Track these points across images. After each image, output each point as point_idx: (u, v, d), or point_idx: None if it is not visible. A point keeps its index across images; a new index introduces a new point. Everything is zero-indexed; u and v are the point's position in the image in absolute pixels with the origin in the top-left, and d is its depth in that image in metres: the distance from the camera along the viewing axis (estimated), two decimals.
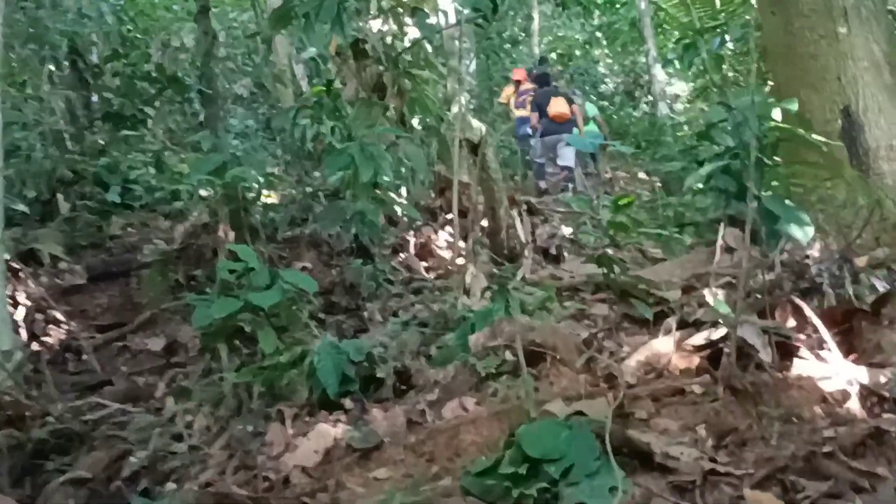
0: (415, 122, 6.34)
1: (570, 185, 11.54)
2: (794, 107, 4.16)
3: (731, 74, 11.57)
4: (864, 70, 4.82)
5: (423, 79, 5.56)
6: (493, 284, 4.68)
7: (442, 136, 6.29)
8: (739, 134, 3.84)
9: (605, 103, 16.26)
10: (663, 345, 3.41)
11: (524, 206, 6.61)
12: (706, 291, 3.31)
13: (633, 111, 15.29)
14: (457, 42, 5.99)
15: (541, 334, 3.38)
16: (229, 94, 13.81)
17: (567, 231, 6.93)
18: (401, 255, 6.49)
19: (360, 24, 5.12)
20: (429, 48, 5.71)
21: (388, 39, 5.23)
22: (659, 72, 11.95)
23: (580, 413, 2.82)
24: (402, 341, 3.87)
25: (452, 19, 6.01)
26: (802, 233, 3.16)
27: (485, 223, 6.32)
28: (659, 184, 13.49)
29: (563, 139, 11.53)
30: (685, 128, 12.70)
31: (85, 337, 5.40)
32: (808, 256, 4.54)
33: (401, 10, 5.20)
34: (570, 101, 11.77)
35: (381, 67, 5.27)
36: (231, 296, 3.83)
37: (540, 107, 11.88)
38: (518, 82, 13.72)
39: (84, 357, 5.17)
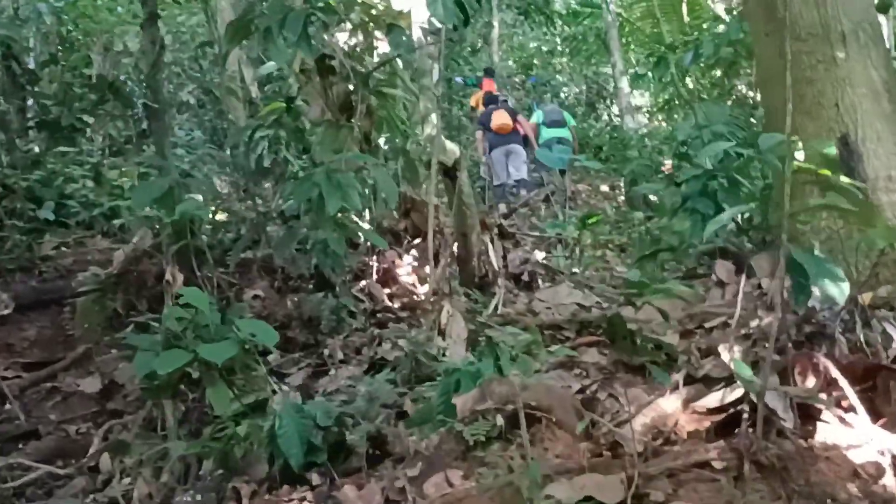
0: (380, 141, 5.94)
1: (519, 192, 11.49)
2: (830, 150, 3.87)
3: (695, 88, 11.41)
4: (862, 97, 4.56)
5: (393, 98, 5.16)
6: (471, 324, 4.30)
7: (408, 156, 5.90)
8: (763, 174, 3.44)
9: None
10: (670, 404, 3.07)
11: (495, 231, 6.23)
12: (722, 348, 2.96)
13: (594, 123, 15.09)
14: (429, 60, 5.61)
15: (534, 394, 3.01)
16: (175, 102, 13.23)
17: (539, 256, 6.58)
18: (362, 281, 6.07)
19: (327, 38, 4.70)
20: (400, 65, 5.32)
21: (358, 56, 4.82)
22: (625, 84, 11.73)
23: (589, 498, 2.46)
24: (372, 394, 3.46)
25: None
26: (838, 290, 2.84)
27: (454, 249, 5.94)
28: (622, 198, 13.35)
29: (510, 150, 11.54)
30: (647, 141, 12.49)
31: (9, 377, 4.86)
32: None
33: (372, 24, 4.80)
34: (514, 114, 11.76)
35: (349, 86, 4.86)
36: (178, 346, 3.38)
37: (483, 125, 11.86)
38: (488, 93, 13.54)
39: (7, 404, 4.63)
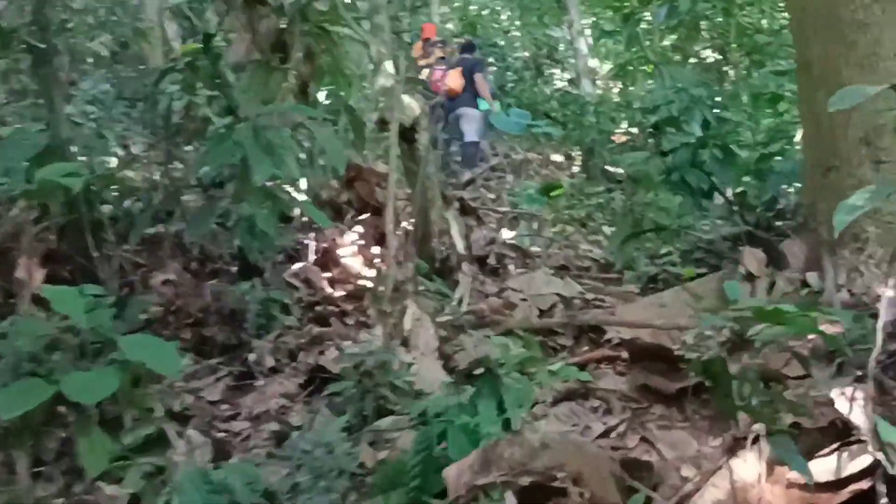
0: (320, 95, 4.88)
1: (480, 163, 10.62)
2: None
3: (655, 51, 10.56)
4: None
5: (338, 37, 4.10)
6: (442, 330, 3.32)
7: (354, 113, 4.85)
8: None
9: (515, 76, 15.03)
10: (748, 468, 2.15)
11: (457, 205, 5.24)
12: (835, 394, 2.04)
13: (544, 88, 14.12)
14: None
15: (558, 457, 2.05)
16: (87, 53, 11.75)
17: (507, 235, 5.62)
18: (296, 264, 5.02)
19: None
20: None
21: None
22: (583, 45, 10.80)
23: None
24: (316, 441, 2.45)
25: None
26: None
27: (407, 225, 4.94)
28: (577, 168, 12.46)
29: (461, 114, 10.58)
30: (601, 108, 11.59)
31: None
32: (868, 296, 3.40)
33: None
34: (471, 70, 10.63)
35: (282, 20, 3.77)
36: (37, 374, 2.32)
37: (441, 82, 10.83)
38: (427, 40, 12.28)
39: None
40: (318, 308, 4.51)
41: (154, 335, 4.16)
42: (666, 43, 11.78)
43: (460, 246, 4.81)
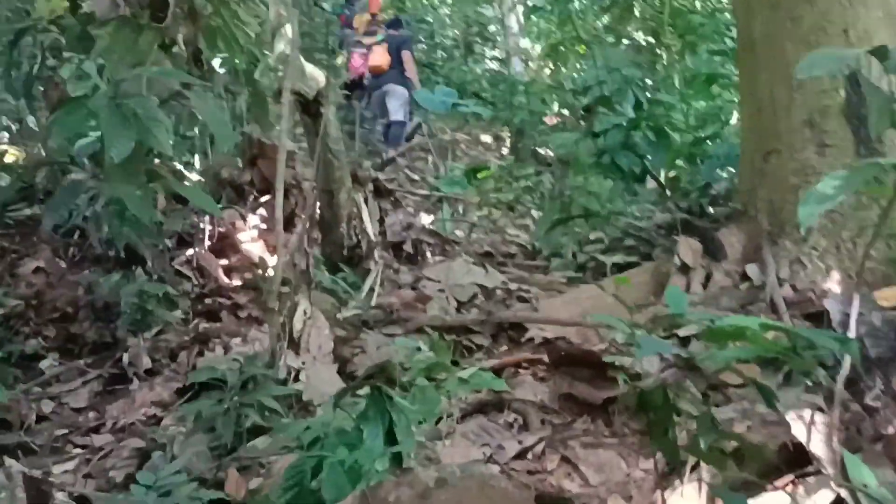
0: (216, 63, 4.36)
1: (404, 142, 10.11)
2: None
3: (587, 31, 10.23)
4: (878, 22, 3.39)
5: None
6: (339, 329, 2.91)
7: (255, 84, 4.36)
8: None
9: (443, 55, 14.58)
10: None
11: (370, 187, 4.80)
12: (791, 417, 1.68)
13: (473, 66, 13.71)
14: None
15: (457, 497, 1.65)
16: None
17: (426, 220, 5.21)
18: (189, 250, 4.53)
19: None
20: None
21: None
22: (513, 23, 10.42)
23: None
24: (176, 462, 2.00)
25: None
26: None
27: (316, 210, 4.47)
28: (506, 149, 12.12)
29: (387, 91, 10.09)
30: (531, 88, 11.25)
31: None
32: (814, 292, 3.09)
33: None
34: (398, 48, 10.19)
35: None
36: None
37: (366, 59, 10.36)
38: (374, 16, 11.77)
39: None
40: (208, 301, 4.03)
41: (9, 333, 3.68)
42: (599, 23, 11.50)
43: (371, 232, 4.38)
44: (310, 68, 3.95)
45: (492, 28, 14.21)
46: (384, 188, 5.01)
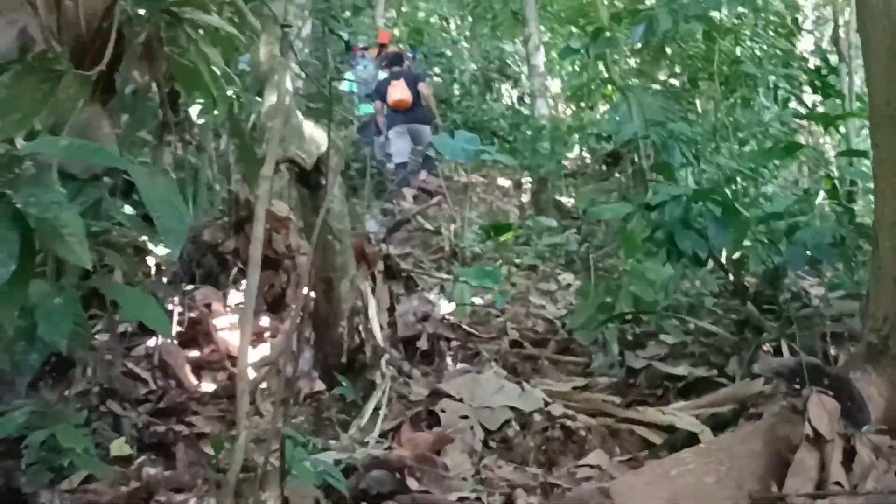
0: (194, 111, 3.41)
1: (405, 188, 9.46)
2: None
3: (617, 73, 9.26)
4: None
5: (208, 31, 2.61)
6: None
7: (244, 138, 3.40)
8: None
9: (460, 90, 13.64)
10: None
11: (380, 267, 3.79)
12: None
13: (492, 104, 12.76)
14: None
15: None
16: None
17: (447, 307, 4.20)
18: (150, 340, 3.53)
19: None
20: None
21: None
22: (540, 62, 9.47)
23: None
24: None
25: None
26: None
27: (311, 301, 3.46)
28: (524, 195, 11.12)
29: (415, 129, 9.45)
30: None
31: None
32: None
33: None
34: (415, 81, 9.43)
35: None
36: None
37: (380, 95, 9.55)
38: (383, 46, 11.01)
39: None
40: (160, 427, 3.00)
41: None
42: (627, 65, 10.56)
43: (379, 333, 3.37)
44: (310, 128, 2.96)
45: (511, 63, 13.31)
46: (396, 268, 4.00)
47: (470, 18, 12.21)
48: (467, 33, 14.08)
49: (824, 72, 8.66)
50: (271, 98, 2.87)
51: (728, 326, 4.28)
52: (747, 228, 4.76)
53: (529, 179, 10.16)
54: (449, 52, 13.73)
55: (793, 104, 9.92)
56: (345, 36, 14.16)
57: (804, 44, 11.28)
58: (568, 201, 10.22)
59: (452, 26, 14.57)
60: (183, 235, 2.15)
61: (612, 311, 4.47)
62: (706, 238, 4.61)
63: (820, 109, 9.99)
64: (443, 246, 7.26)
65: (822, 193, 5.09)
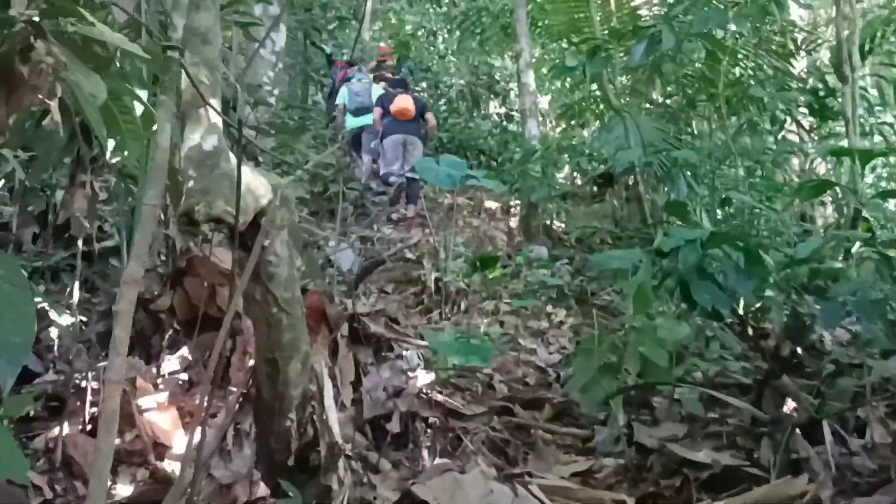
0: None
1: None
2: None
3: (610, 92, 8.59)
4: None
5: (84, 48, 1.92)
6: None
7: (176, 181, 2.72)
8: None
9: (448, 107, 12.95)
10: None
11: (344, 332, 3.09)
12: None
13: (479, 122, 12.06)
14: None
15: None
16: None
17: (424, 378, 3.50)
18: (54, 429, 2.81)
19: None
20: None
21: None
22: (531, 79, 8.80)
23: None
24: None
25: None
26: None
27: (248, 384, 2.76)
28: (512, 219, 10.42)
29: (412, 142, 9.53)
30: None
31: None
32: None
33: None
34: (423, 107, 9.75)
35: None
36: None
37: (383, 104, 9.58)
38: (381, 62, 10.84)
39: None
40: None
41: None
42: (620, 83, 9.92)
43: (336, 425, 2.66)
44: (248, 176, 2.25)
45: (500, 79, 12.63)
46: (365, 331, 3.29)
47: (458, 33, 11.52)
48: (455, 47, 13.40)
49: (822, 94, 8.07)
50: (193, 137, 2.16)
51: (754, 397, 3.61)
52: (769, 276, 4.09)
53: (518, 202, 9.48)
54: (436, 67, 13.06)
55: (788, 126, 9.37)
56: (327, 49, 13.53)
57: (800, 64, 10.68)
58: (559, 226, 9.56)
59: (440, 40, 13.90)
60: (24, 353, 1.44)
61: (615, 373, 3.78)
62: (723, 287, 3.96)
63: (817, 133, 9.42)
64: (425, 280, 6.57)
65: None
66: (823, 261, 4.32)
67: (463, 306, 6.53)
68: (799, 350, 4.20)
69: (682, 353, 3.84)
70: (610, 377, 3.77)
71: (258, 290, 2.41)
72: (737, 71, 8.34)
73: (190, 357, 3.29)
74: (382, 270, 7.71)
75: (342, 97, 10.27)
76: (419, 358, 4.14)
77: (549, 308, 6.80)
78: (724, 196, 5.21)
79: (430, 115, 9.68)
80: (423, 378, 3.34)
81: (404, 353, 3.66)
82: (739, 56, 7.53)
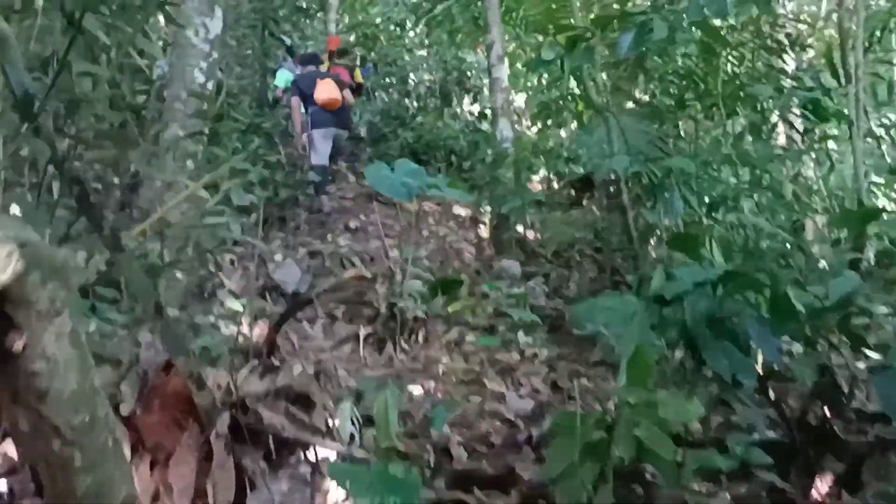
0: None
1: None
2: None
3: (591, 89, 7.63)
4: None
5: None
6: None
7: None
8: None
9: (415, 105, 11.95)
10: None
11: (221, 429, 2.10)
12: None
13: (451, 121, 11.06)
14: None
15: None
16: None
17: (337, 493, 2.50)
18: None
19: None
20: None
21: None
22: (503, 74, 7.85)
23: None
24: None
25: None
26: None
27: None
28: (482, 228, 9.41)
29: (339, 134, 8.97)
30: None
31: None
32: None
33: None
34: (340, 85, 8.82)
35: None
36: None
37: (302, 92, 8.75)
38: (332, 53, 10.05)
39: None
40: None
41: None
42: (602, 80, 8.99)
43: None
44: None
45: (472, 75, 11.65)
46: (254, 426, 2.30)
47: (422, 24, 10.55)
48: (425, 41, 12.37)
49: (819, 93, 7.19)
50: None
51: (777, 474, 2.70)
52: (802, 329, 3.17)
53: (489, 209, 8.53)
54: (403, 61, 12.03)
55: (780, 128, 8.53)
56: (287, 41, 12.50)
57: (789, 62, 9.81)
58: (534, 236, 8.60)
59: (411, 34, 12.86)
60: None
61: (603, 458, 2.85)
62: (739, 341, 3.03)
63: (815, 133, 8.56)
64: (379, 307, 5.59)
65: None
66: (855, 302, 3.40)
67: (421, 337, 5.56)
68: (830, 415, 3.29)
69: (690, 433, 2.90)
70: (594, 462, 2.84)
71: (24, 417, 1.43)
72: (729, 67, 7.44)
73: None
74: (333, 289, 6.73)
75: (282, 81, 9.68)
76: (355, 422, 3.20)
77: (521, 336, 5.84)
78: (730, 217, 4.28)
79: (347, 93, 8.78)
80: (335, 493, 2.35)
81: (334, 416, 2.71)
82: (735, 51, 6.61)
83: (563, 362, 5.46)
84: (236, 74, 12.38)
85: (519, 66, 9.75)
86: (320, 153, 8.78)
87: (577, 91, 7.97)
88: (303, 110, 8.90)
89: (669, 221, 4.86)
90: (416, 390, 4.65)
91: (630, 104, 8.79)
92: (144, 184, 5.68)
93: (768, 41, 7.90)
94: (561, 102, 8.81)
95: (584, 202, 9.80)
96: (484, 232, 8.57)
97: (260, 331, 3.99)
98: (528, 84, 11.12)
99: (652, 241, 5.55)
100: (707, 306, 2.85)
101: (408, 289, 5.51)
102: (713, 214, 4.68)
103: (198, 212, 5.93)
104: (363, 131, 10.76)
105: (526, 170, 8.70)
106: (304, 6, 12.44)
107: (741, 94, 6.28)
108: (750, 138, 5.63)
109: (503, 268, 7.21)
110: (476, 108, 11.88)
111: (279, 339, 4.36)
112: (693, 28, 5.59)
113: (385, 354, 5.47)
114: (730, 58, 6.57)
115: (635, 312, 2.77)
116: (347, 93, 8.87)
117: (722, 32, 6.71)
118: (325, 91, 8.58)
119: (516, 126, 9.36)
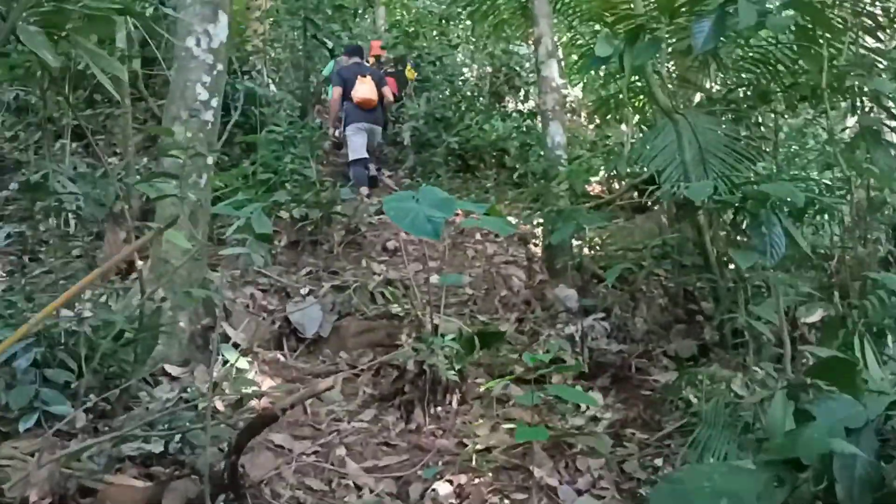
0: None
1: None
2: None
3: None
4: None
5: None
6: None
7: None
8: None
9: (462, 106, 10.72)
10: None
11: None
12: None
13: (501, 123, 9.80)
14: None
15: None
16: None
17: None
18: None
19: None
20: None
21: None
22: (553, 72, 6.62)
23: None
24: None
25: None
26: None
27: None
28: (537, 244, 8.14)
29: (375, 131, 9.07)
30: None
31: None
32: None
33: None
34: (380, 83, 9.06)
35: None
36: None
37: (344, 81, 8.93)
38: (377, 57, 9.53)
39: None
40: None
41: None
42: (667, 71, 7.61)
43: None
44: None
45: (524, 69, 10.37)
46: None
47: (463, 17, 9.38)
48: (472, 36, 11.11)
49: None
50: None
51: None
52: None
53: (539, 227, 7.31)
54: (447, 59, 10.81)
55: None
56: (329, 43, 11.47)
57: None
58: (593, 253, 7.35)
59: (455, 26, 11.62)
60: None
61: None
62: None
63: None
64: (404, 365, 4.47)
65: None
66: None
67: (455, 400, 4.44)
68: None
69: None
70: None
71: None
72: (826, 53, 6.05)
73: None
74: (363, 332, 5.66)
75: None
76: None
77: (579, 387, 4.65)
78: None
79: (386, 90, 9.09)
80: None
81: None
82: (835, 33, 5.22)
83: (629, 430, 4.27)
84: (277, 80, 11.43)
85: (574, 57, 8.44)
86: (356, 148, 8.87)
87: (639, 84, 6.68)
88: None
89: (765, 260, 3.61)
90: (443, 488, 3.54)
91: (699, 96, 7.46)
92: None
93: (864, 19, 6.46)
94: (621, 98, 7.54)
95: (650, 206, 8.51)
96: (536, 250, 7.35)
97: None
98: (585, 77, 9.81)
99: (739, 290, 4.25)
100: (873, 474, 1.65)
101: (439, 343, 4.39)
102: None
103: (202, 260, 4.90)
104: (406, 137, 9.66)
105: (584, 172, 7.47)
106: (346, 4, 11.37)
107: (846, 85, 4.93)
108: (868, 146, 4.27)
109: (558, 297, 6.01)
110: (527, 108, 10.63)
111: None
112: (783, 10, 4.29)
113: (413, 421, 4.39)
114: (830, 42, 5.17)
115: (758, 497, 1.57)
116: (387, 90, 9.10)
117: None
118: (363, 91, 8.78)
119: (573, 119, 8.09)
